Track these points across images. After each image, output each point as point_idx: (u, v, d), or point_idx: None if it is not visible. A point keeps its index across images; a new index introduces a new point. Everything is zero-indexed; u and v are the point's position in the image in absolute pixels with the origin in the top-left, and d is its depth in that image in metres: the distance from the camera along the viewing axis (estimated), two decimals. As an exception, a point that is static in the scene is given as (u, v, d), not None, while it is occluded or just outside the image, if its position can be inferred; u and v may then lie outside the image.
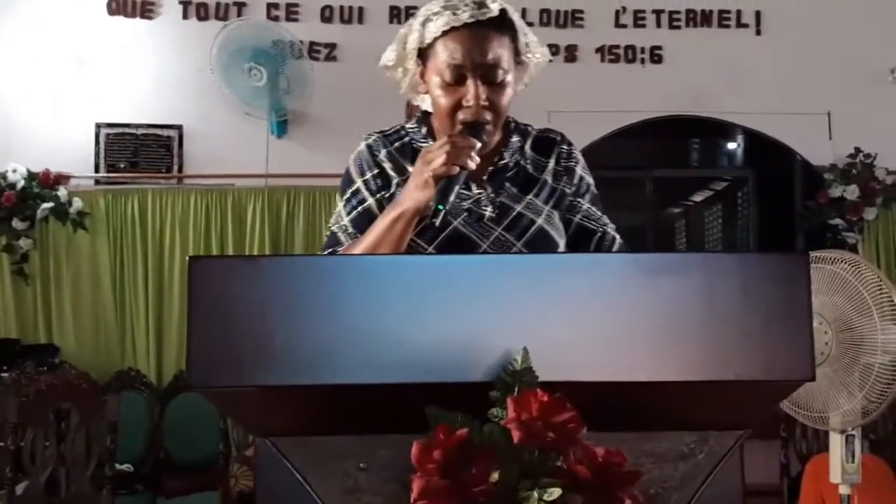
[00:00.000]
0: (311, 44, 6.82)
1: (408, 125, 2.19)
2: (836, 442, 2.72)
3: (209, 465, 6.11)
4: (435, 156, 1.88)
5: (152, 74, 6.81)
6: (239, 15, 6.83)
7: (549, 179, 2.10)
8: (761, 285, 1.31)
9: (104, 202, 6.70)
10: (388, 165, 2.10)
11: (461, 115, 1.98)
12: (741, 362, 1.30)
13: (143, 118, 6.78)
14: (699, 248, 7.89)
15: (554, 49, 6.93)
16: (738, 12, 7.06)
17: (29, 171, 6.55)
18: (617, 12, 6.85)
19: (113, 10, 6.81)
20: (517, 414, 1.13)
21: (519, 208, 2.05)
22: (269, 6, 6.87)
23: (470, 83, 1.96)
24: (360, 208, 2.08)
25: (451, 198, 1.87)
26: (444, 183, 1.87)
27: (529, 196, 2.07)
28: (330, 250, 2.08)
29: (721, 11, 7.05)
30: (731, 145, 8.15)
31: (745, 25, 7.07)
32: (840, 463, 2.72)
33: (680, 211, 8.89)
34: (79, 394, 4.76)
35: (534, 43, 2.09)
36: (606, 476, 1.14)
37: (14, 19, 6.76)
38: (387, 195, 2.05)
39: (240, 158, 6.70)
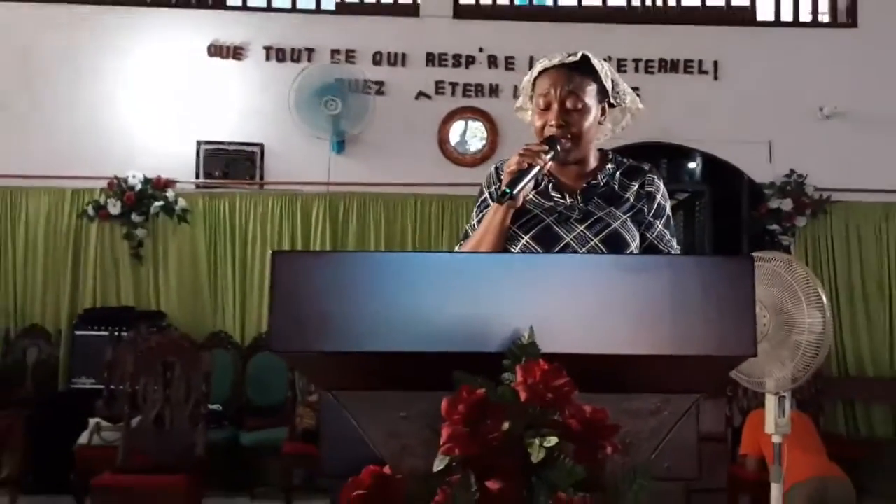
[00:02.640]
0: (364, 81, 6.81)
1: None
2: (770, 402, 2.71)
3: (280, 407, 6.14)
4: (513, 159, 1.95)
5: (241, 103, 6.82)
6: (309, 59, 6.83)
7: (632, 198, 2.08)
8: (716, 282, 1.31)
9: (202, 202, 6.72)
10: None
11: (546, 132, 2.02)
12: (699, 341, 1.30)
13: (233, 137, 6.80)
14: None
15: (554, 88, 6.91)
16: (700, 61, 7.01)
17: (145, 177, 6.58)
18: (604, 60, 6.80)
19: (211, 52, 6.83)
20: (524, 379, 1.13)
21: (600, 214, 2.05)
22: (332, 52, 6.87)
23: (552, 109, 2.01)
24: (484, 211, 2.12)
25: (520, 185, 1.90)
26: (516, 175, 1.91)
27: (611, 207, 2.07)
28: (461, 241, 2.16)
29: (686, 60, 7.01)
30: (692, 166, 8.09)
31: (706, 72, 7.02)
32: (773, 418, 2.71)
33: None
34: (181, 351, 4.80)
35: (625, 91, 2.11)
36: (593, 428, 1.14)
37: (134, 60, 6.79)
38: None
39: (307, 170, 6.71)
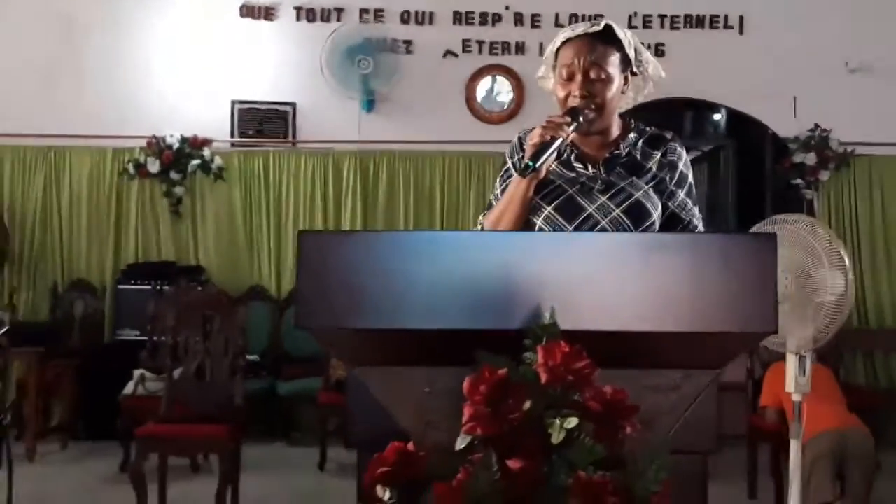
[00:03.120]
0: (392, 40, 6.72)
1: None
2: (791, 361, 2.67)
3: (315, 357, 6.18)
4: (536, 131, 1.90)
5: (273, 63, 6.77)
6: (338, 19, 6.72)
7: (654, 168, 2.03)
8: (736, 260, 1.28)
9: (237, 160, 6.70)
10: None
11: (570, 102, 1.97)
12: (720, 318, 1.27)
13: (266, 97, 6.75)
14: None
15: (580, 45, 6.78)
16: (726, 16, 6.82)
17: (182, 137, 6.58)
18: (630, 16, 6.67)
19: (243, 13, 6.75)
20: (545, 361, 1.11)
21: (622, 184, 2.00)
22: (361, 11, 6.75)
23: (575, 79, 1.96)
24: (507, 181, 2.08)
25: (543, 158, 1.86)
26: (539, 147, 1.86)
27: (634, 177, 2.01)
28: (484, 212, 2.12)
29: (712, 15, 6.82)
30: (716, 119, 7.94)
31: (731, 27, 6.83)
32: (794, 377, 2.67)
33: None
34: (219, 305, 4.83)
35: (647, 59, 2.05)
36: (612, 409, 1.12)
37: (170, 22, 6.73)
38: None
39: (338, 129, 6.65)
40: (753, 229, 2.69)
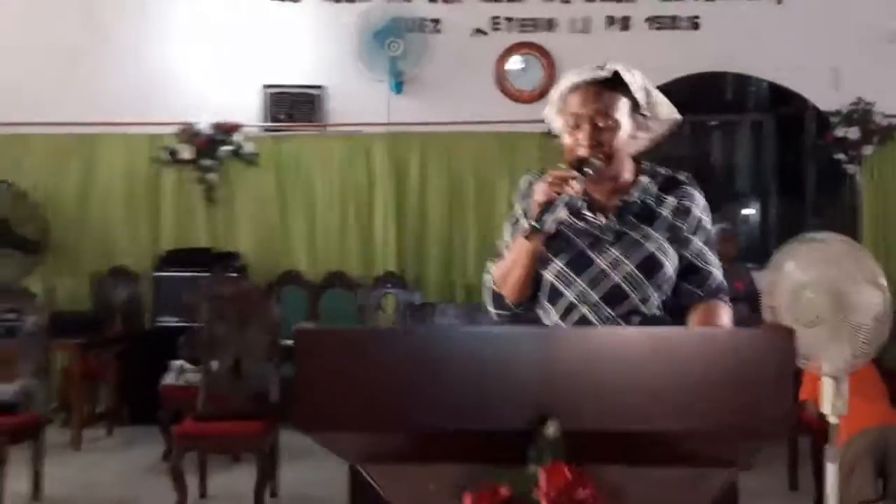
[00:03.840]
0: (420, 20, 6.61)
1: (559, 165, 2.05)
2: (827, 384, 2.60)
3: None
4: (541, 187, 1.84)
5: (301, 46, 6.71)
6: (365, -1, 6.65)
7: (668, 215, 1.94)
8: (752, 358, 1.21)
9: (268, 145, 6.70)
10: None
11: (577, 151, 1.91)
12: (733, 418, 1.22)
13: (295, 80, 6.71)
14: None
15: (611, 20, 6.62)
16: (763, -14, 6.60)
17: (214, 123, 6.57)
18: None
19: (269, -4, 6.70)
20: (547, 490, 1.08)
21: (635, 236, 1.92)
22: (388, -10, 6.67)
23: (582, 128, 1.89)
24: (516, 229, 2.02)
25: (549, 217, 1.83)
26: (543, 208, 1.82)
27: (646, 226, 1.93)
28: (494, 260, 2.06)
29: (748, -14, 6.61)
30: (757, 93, 7.71)
31: (768, -3, 6.62)
32: (830, 400, 2.60)
33: (716, 146, 8.48)
34: (253, 299, 4.84)
35: (660, 102, 1.97)
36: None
37: (198, 7, 6.71)
38: None
39: (368, 112, 6.59)
40: (783, 248, 2.59)
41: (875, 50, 6.46)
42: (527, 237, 1.87)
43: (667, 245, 1.92)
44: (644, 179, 1.97)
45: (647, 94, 1.94)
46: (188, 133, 6.52)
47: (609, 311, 1.88)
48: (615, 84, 1.90)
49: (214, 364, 4.82)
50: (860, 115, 6.44)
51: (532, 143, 6.20)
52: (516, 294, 1.95)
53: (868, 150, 6.47)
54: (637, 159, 2.01)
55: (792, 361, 1.20)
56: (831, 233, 2.66)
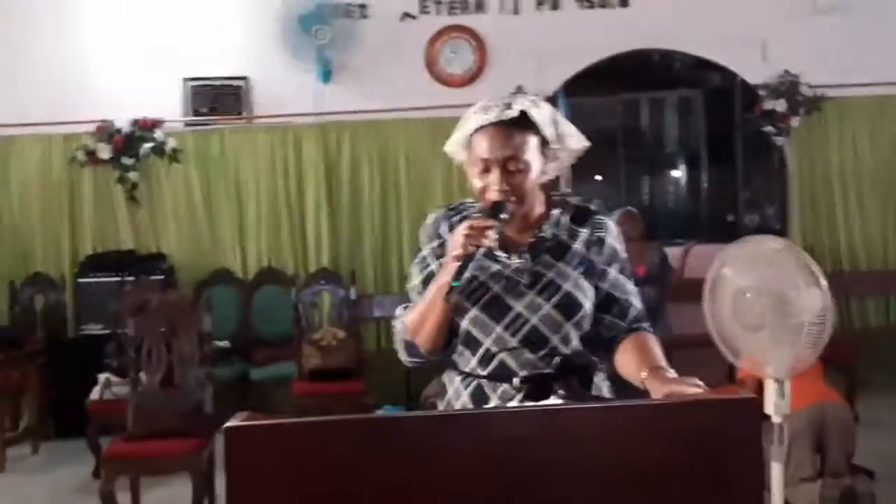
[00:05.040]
0: (347, 5, 6.39)
1: (467, 201, 1.98)
2: (770, 386, 2.55)
3: (288, 339, 6.04)
4: (457, 239, 1.75)
5: (222, 36, 6.44)
6: (289, -13, 6.39)
7: (581, 248, 1.89)
8: (719, 425, 1.11)
9: (192, 140, 6.44)
10: (447, 237, 1.91)
11: (488, 196, 1.82)
12: (703, 486, 1.12)
13: (217, 72, 6.44)
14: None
15: (540, 0, 6.50)
16: (689, -40, 6.54)
17: (132, 119, 6.28)
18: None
19: (189, -18, 6.41)
20: None
21: (550, 275, 1.85)
22: (312, -26, 6.42)
23: (493, 172, 1.80)
24: (426, 272, 1.94)
25: (465, 275, 1.74)
26: (462, 263, 1.72)
27: (561, 263, 1.87)
28: (405, 306, 1.96)
29: (674, -39, 6.54)
30: (685, 70, 7.70)
31: (694, -29, 6.56)
32: (773, 401, 2.55)
33: (646, 122, 8.47)
34: (181, 312, 4.63)
35: (568, 133, 1.89)
36: None
37: (108, 1, 6.37)
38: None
39: (296, 102, 6.37)
40: (723, 252, 2.52)
41: (802, 22, 6.48)
42: (447, 298, 1.77)
43: (583, 280, 1.87)
44: (556, 213, 1.92)
45: (556, 125, 1.87)
46: (105, 131, 6.22)
47: (529, 354, 1.82)
48: (523, 123, 1.81)
49: (143, 377, 4.62)
50: (787, 87, 6.46)
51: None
52: (431, 343, 1.86)
53: (795, 121, 6.50)
54: (546, 191, 1.94)
55: (758, 428, 1.10)
56: (773, 236, 2.60)
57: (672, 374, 1.66)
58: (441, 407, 1.93)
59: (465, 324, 1.84)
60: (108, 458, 4.10)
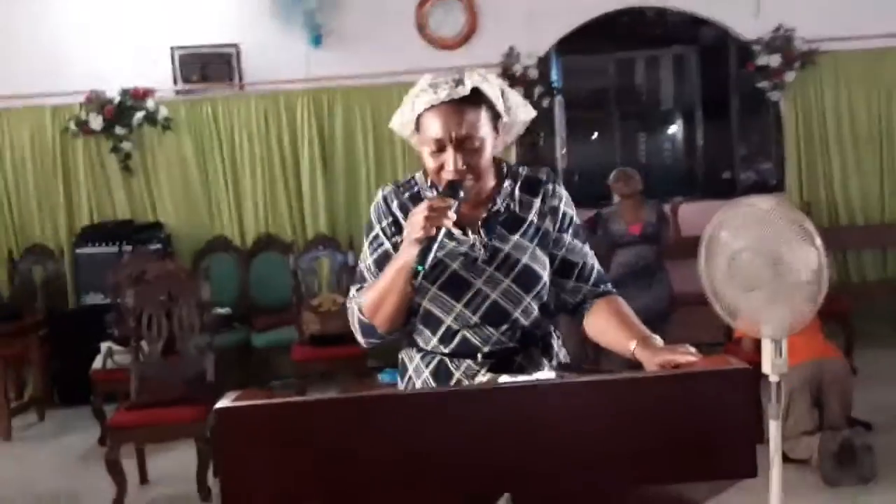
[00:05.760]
0: (334, -32, 6.32)
1: (417, 176, 1.95)
2: (767, 345, 2.56)
3: (286, 306, 6.07)
4: (417, 220, 1.69)
5: (211, 4, 6.37)
6: (274, -50, 6.30)
7: (535, 219, 1.88)
8: (712, 400, 1.12)
9: (184, 109, 6.39)
10: (399, 215, 1.90)
11: (444, 176, 1.78)
12: (697, 464, 1.13)
13: (207, 40, 6.37)
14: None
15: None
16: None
17: (123, 89, 6.23)
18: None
19: (175, -49, 6.31)
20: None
21: (507, 249, 1.85)
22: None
23: (448, 152, 1.76)
24: (379, 251, 1.90)
25: (431, 256, 1.68)
26: (424, 245, 1.68)
27: (516, 236, 1.86)
28: (358, 286, 1.92)
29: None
30: (678, 27, 7.62)
31: (687, -76, 6.47)
32: (770, 360, 2.56)
33: (640, 80, 8.40)
34: (181, 281, 4.65)
35: (517, 104, 1.86)
36: None
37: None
38: (400, 240, 1.85)
39: (287, 68, 6.31)
40: (717, 215, 2.51)
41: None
42: (413, 281, 1.74)
43: (539, 251, 1.87)
44: (507, 185, 1.90)
45: (505, 98, 1.84)
46: (96, 101, 6.17)
47: (491, 330, 1.82)
48: (475, 99, 1.77)
49: (145, 346, 4.65)
50: (781, 41, 6.40)
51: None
52: (389, 324, 1.83)
53: (790, 76, 6.45)
54: (497, 162, 1.92)
55: (752, 399, 1.11)
56: (768, 196, 2.59)
57: (660, 342, 1.67)
58: (401, 385, 1.91)
59: (424, 303, 1.83)
60: (114, 428, 4.14)
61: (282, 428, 1.11)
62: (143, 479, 4.54)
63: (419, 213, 1.69)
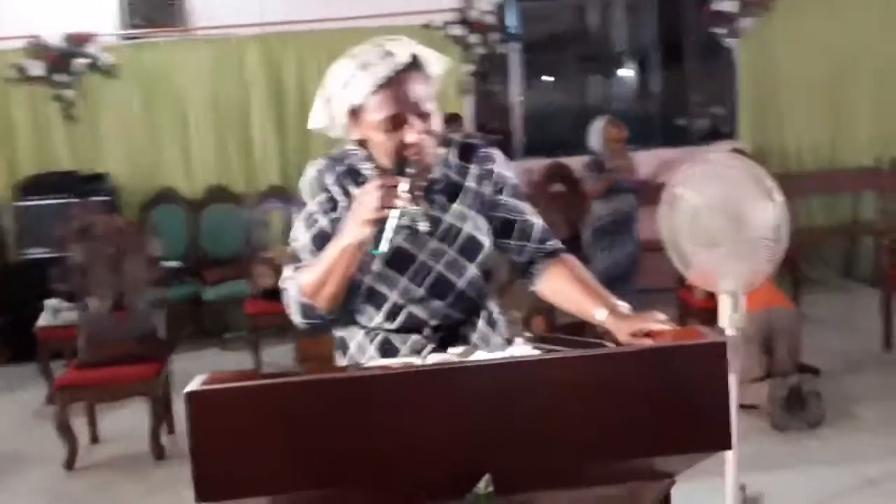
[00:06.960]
0: None
1: (349, 148, 1.84)
2: (724, 300, 2.57)
3: (237, 258, 5.98)
4: (368, 201, 1.62)
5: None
6: None
7: (473, 184, 1.84)
8: (686, 373, 1.10)
9: (129, 55, 6.17)
10: (334, 189, 1.80)
11: (410, 153, 1.70)
12: (671, 436, 1.11)
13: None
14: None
15: None
16: None
17: (65, 34, 5.98)
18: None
19: None
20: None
21: (449, 219, 1.80)
22: None
23: (409, 125, 1.69)
24: (314, 228, 1.79)
25: (388, 237, 1.61)
26: (378, 228, 1.61)
27: (456, 204, 1.81)
28: (294, 266, 1.81)
29: None
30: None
31: None
32: (727, 314, 2.58)
33: (596, 23, 8.28)
34: (128, 235, 4.52)
35: (432, 61, 1.77)
36: None
37: None
38: (335, 216, 1.78)
39: (236, 11, 6.10)
40: (680, 171, 2.50)
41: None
42: (370, 263, 1.70)
43: (480, 219, 1.83)
44: (442, 152, 1.84)
45: (426, 60, 1.75)
46: (37, 47, 5.91)
47: (437, 303, 1.78)
48: (416, 67, 1.71)
49: (93, 302, 4.53)
50: (739, -13, 6.37)
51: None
52: (331, 303, 1.75)
53: (747, 22, 6.44)
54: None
55: (726, 372, 1.09)
56: (722, 151, 2.58)
57: (627, 309, 1.65)
58: (343, 363, 1.85)
59: (367, 280, 1.77)
60: (62, 388, 4.05)
61: (254, 409, 1.07)
62: (94, 438, 4.45)
63: (369, 192, 1.63)
